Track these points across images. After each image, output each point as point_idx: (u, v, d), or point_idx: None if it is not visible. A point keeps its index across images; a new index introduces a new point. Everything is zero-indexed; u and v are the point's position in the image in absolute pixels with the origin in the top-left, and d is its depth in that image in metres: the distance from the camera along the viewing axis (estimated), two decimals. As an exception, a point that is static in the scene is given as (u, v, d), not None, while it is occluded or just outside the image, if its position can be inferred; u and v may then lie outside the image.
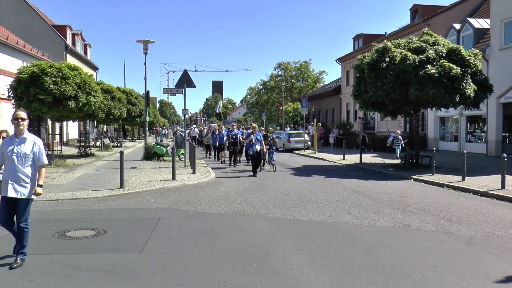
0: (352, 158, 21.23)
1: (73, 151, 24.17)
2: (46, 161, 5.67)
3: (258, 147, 15.15)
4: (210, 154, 24.26)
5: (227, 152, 19.93)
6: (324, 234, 7.13)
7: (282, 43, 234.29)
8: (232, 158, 18.74)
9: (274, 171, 16.19)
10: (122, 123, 37.58)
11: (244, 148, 19.38)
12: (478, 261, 5.75)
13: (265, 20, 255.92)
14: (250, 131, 18.91)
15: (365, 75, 16.40)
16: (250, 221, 8.06)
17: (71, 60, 31.23)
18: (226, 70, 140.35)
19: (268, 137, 17.32)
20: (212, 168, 17.09)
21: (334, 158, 22.03)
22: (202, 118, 46.01)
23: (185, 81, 17.68)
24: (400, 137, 20.62)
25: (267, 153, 16.92)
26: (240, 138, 18.57)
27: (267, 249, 6.20)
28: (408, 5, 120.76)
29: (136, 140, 49.70)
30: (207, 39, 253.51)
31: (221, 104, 40.19)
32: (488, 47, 20.99)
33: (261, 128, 17.02)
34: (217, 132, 20.85)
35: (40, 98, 15.37)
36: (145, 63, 20.45)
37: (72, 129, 34.01)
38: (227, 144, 18.92)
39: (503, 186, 11.20)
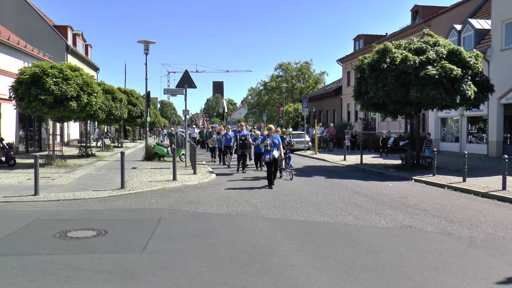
0: (352, 159, 21.23)
1: (74, 151, 24.20)
2: None
3: (276, 153, 12.44)
4: (215, 158, 21.58)
5: (233, 156, 18.21)
6: (325, 235, 7.12)
7: (283, 43, 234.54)
8: (241, 162, 16.61)
9: (291, 179, 14.02)
10: (123, 124, 37.61)
11: (251, 151, 17.59)
12: (479, 262, 5.75)
13: (265, 21, 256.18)
14: (259, 132, 16.69)
15: (365, 76, 16.41)
16: (251, 221, 8.06)
17: (72, 60, 31.26)
18: (227, 71, 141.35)
19: (285, 140, 15.03)
20: (217, 174, 15.34)
21: (334, 159, 22.02)
22: (205, 118, 45.42)
23: (186, 82, 17.69)
24: (431, 138, 18.85)
25: (284, 159, 14.43)
26: (250, 140, 16.71)
27: (268, 250, 6.20)
28: (409, 5, 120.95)
29: (137, 141, 49.76)
30: (208, 39, 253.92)
31: (224, 103, 38.60)
32: (489, 48, 20.98)
33: (277, 129, 13.96)
34: (223, 133, 18.74)
35: (41, 98, 15.38)
36: (146, 64, 20.48)
37: (73, 129, 34.05)
38: (235, 147, 16.85)
39: (504, 187, 11.19)
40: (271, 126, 13.22)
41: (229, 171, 17.09)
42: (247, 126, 19.43)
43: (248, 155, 17.19)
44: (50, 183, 12.54)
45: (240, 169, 16.55)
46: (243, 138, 16.43)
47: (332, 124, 33.09)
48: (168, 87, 59.51)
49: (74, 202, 9.96)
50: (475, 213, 8.87)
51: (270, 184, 12.42)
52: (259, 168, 17.08)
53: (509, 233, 7.27)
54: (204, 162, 20.07)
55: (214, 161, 21.20)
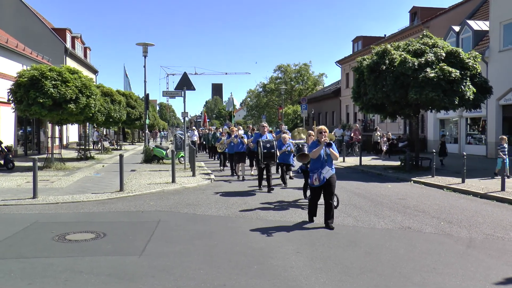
0: (351, 160, 21.24)
1: (73, 154, 24.17)
2: None
3: (330, 173, 7.79)
4: (224, 166, 17.91)
5: (241, 165, 14.79)
6: (324, 236, 7.12)
7: (282, 45, 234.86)
8: (263, 178, 12.14)
9: (337, 206, 9.00)
10: (121, 126, 37.59)
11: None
12: (478, 263, 5.75)
13: (264, 23, 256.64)
14: (287, 135, 12.71)
15: (364, 78, 16.42)
16: (249, 223, 8.05)
17: (70, 63, 31.24)
18: (226, 73, 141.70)
19: None
20: (226, 194, 11.26)
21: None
22: (206, 120, 45.00)
23: (184, 84, 17.69)
24: (505, 144, 13.94)
25: None
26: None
27: (266, 252, 6.20)
28: (408, 7, 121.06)
29: (136, 143, 49.71)
30: (207, 42, 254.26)
31: (233, 100, 35.65)
32: (488, 49, 21.02)
33: (310, 132, 9.66)
34: (234, 135, 15.08)
35: (40, 101, 15.36)
36: (144, 66, 20.50)
37: (71, 132, 34.02)
38: (257, 155, 12.33)
39: (503, 188, 11.20)
40: (323, 127, 7.89)
41: (242, 187, 12.86)
42: (268, 128, 14.16)
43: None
44: (49, 186, 12.52)
45: (264, 187, 12.07)
46: (268, 145, 11.52)
47: (357, 125, 28.07)
48: (167, 90, 59.46)
49: (73, 205, 9.94)
50: (474, 214, 8.87)
51: (311, 217, 8.16)
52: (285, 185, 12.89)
53: (508, 234, 7.28)
54: (203, 164, 19.95)
55: (222, 169, 17.82)
